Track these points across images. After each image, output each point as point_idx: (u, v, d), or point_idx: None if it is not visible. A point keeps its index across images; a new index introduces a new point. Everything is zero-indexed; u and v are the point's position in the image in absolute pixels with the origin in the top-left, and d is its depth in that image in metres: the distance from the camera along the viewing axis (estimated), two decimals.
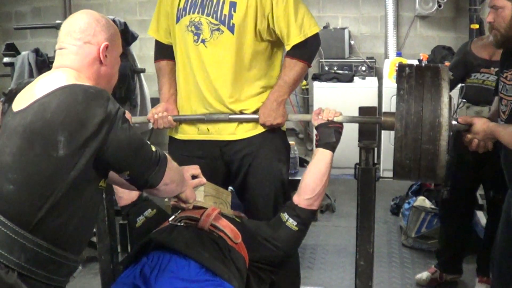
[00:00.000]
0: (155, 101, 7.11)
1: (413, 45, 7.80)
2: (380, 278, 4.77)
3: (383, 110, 7.02)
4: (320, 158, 3.08)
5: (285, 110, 3.35)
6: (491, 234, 4.51)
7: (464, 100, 3.15)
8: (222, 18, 3.23)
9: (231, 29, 3.23)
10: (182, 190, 2.69)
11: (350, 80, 7.50)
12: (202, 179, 2.91)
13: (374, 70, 7.74)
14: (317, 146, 3.13)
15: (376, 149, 3.14)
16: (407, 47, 7.81)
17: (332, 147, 3.08)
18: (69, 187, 2.05)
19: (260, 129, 3.43)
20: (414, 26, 7.80)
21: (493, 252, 3.55)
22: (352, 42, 7.87)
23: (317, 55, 7.83)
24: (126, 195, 3.16)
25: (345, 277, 4.86)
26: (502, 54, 3.34)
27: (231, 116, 3.29)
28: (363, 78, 7.60)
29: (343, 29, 7.76)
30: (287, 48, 3.32)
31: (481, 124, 3.03)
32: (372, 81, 7.55)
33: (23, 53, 5.96)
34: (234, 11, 3.22)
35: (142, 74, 6.24)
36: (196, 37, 3.29)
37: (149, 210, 3.18)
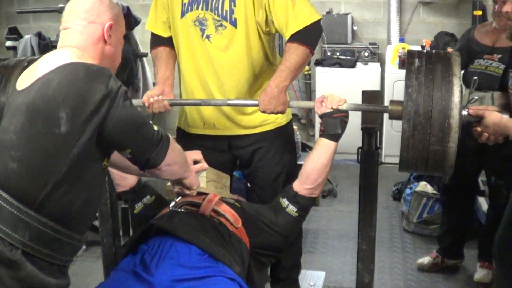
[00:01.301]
0: None
1: (416, 31, 7.79)
2: (382, 263, 4.79)
3: (386, 96, 7.04)
4: (324, 150, 3.02)
5: (286, 98, 3.21)
6: (492, 220, 4.52)
7: (476, 98, 3.03)
8: (224, 14, 3.24)
9: (234, 23, 3.24)
10: (185, 175, 2.69)
11: (353, 65, 7.49)
12: (204, 164, 2.92)
13: (376, 56, 7.73)
14: (321, 135, 3.04)
15: (378, 133, 3.12)
16: (410, 33, 7.79)
17: (337, 138, 3.01)
18: (72, 165, 2.05)
19: (269, 126, 3.48)
20: (417, 12, 7.78)
21: (497, 241, 3.52)
22: (355, 28, 7.85)
23: (320, 41, 7.85)
24: (123, 182, 3.17)
25: (347, 261, 4.88)
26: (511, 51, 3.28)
27: (229, 102, 3.21)
28: (366, 64, 7.58)
29: (346, 14, 7.73)
30: (286, 38, 3.25)
31: (492, 118, 2.90)
32: (375, 67, 7.54)
33: (26, 36, 5.95)
34: (235, 6, 3.22)
35: (144, 59, 6.24)
36: (201, 33, 3.30)
37: (148, 196, 3.19)
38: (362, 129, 3.06)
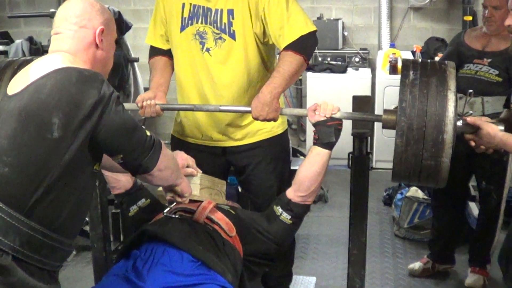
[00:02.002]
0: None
1: (407, 37, 7.81)
2: (372, 268, 4.80)
3: (376, 101, 7.05)
4: (318, 158, 3.02)
5: (279, 105, 3.16)
6: (483, 225, 4.54)
7: (471, 112, 3.00)
8: (223, 27, 3.27)
9: (233, 36, 3.27)
10: (177, 182, 2.69)
11: (344, 71, 7.50)
12: (196, 169, 2.93)
13: (367, 61, 7.74)
14: (314, 144, 3.03)
15: (369, 138, 3.12)
16: (400, 39, 7.81)
17: (331, 146, 3.00)
18: (63, 170, 2.05)
19: (265, 135, 3.51)
20: (407, 17, 7.80)
21: (505, 253, 3.48)
22: (345, 33, 7.86)
23: None
24: (118, 184, 3.15)
25: (338, 266, 4.88)
26: None
27: (221, 107, 3.21)
28: (357, 69, 7.60)
29: (337, 20, 7.74)
30: (281, 49, 3.25)
31: (488, 130, 2.85)
32: (366, 72, 7.55)
33: (17, 41, 5.94)
34: (233, 18, 3.25)
35: (135, 64, 6.22)
36: (201, 46, 3.33)
37: (143, 199, 3.17)
38: (353, 134, 3.05)
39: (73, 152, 2.05)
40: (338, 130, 2.99)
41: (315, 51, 7.51)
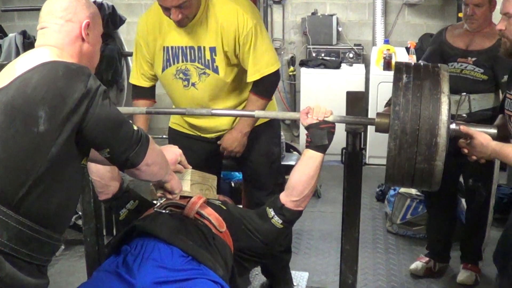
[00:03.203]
0: None
1: (401, 33, 7.83)
2: (365, 264, 4.80)
3: (370, 97, 7.05)
4: (310, 161, 2.99)
5: (246, 141, 3.66)
6: (472, 222, 4.55)
7: (465, 115, 2.98)
8: (207, 63, 3.52)
9: (216, 70, 3.53)
10: (166, 178, 2.66)
11: (338, 66, 7.51)
12: (186, 166, 2.94)
13: (361, 57, 7.76)
14: (307, 147, 3.00)
15: (362, 134, 3.11)
16: (394, 35, 7.83)
17: (324, 149, 2.98)
18: (50, 164, 2.04)
19: (257, 122, 3.70)
20: (402, 13, 7.82)
21: (500, 249, 3.49)
22: (340, 29, 7.86)
23: (304, 41, 7.89)
24: (106, 190, 3.13)
25: (330, 262, 4.88)
26: (510, 71, 3.24)
27: (213, 111, 3.28)
28: (351, 65, 7.61)
29: (331, 15, 7.76)
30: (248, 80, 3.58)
31: (481, 140, 2.85)
32: (360, 68, 7.57)
33: (10, 35, 5.94)
34: (215, 55, 3.49)
35: (129, 58, 6.21)
36: (186, 82, 3.58)
37: (131, 202, 3.17)
38: (346, 130, 3.05)
39: (59, 145, 2.04)
40: (331, 133, 2.97)
41: (309, 46, 7.63)
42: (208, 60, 3.49)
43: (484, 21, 4.19)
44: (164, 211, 2.93)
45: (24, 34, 5.95)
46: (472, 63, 4.20)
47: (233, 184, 5.54)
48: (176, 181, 2.78)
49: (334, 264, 4.73)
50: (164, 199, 2.96)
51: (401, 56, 7.18)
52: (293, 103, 8.22)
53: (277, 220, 3.01)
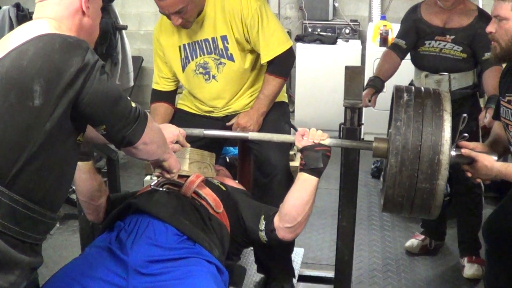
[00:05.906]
0: (136, 59, 7.06)
1: (398, 9, 7.75)
2: (360, 241, 4.80)
3: (366, 73, 7.01)
4: (305, 185, 2.88)
5: (262, 121, 3.59)
6: (465, 220, 4.50)
7: (466, 135, 2.92)
8: (221, 53, 3.56)
9: (231, 58, 3.56)
10: (164, 157, 2.62)
11: (334, 42, 7.45)
12: (184, 145, 2.89)
13: (357, 33, 7.71)
14: (301, 170, 2.89)
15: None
16: (391, 11, 7.76)
17: (318, 173, 2.87)
18: (45, 139, 2.00)
19: None
20: None
21: (487, 223, 3.49)
22: (336, 4, 7.80)
23: (300, 17, 7.84)
24: (94, 217, 3.06)
25: (325, 238, 4.89)
26: (501, 77, 3.18)
27: (205, 132, 3.26)
28: (347, 41, 7.56)
29: None
30: (262, 62, 3.60)
31: (485, 163, 2.79)
32: (356, 44, 7.52)
33: (4, 7, 5.87)
34: (228, 43, 3.53)
35: (124, 32, 6.17)
36: (207, 76, 3.63)
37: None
38: (344, 105, 3.02)
39: (55, 121, 2.00)
40: (326, 156, 2.88)
41: (305, 21, 7.59)
42: (221, 49, 3.54)
43: None
44: (161, 188, 2.90)
45: (17, 6, 5.87)
46: (450, 41, 4.19)
47: (228, 159, 5.51)
48: (174, 160, 2.74)
49: (329, 241, 4.76)
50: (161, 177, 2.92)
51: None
52: (288, 78, 8.17)
53: (263, 236, 2.92)
